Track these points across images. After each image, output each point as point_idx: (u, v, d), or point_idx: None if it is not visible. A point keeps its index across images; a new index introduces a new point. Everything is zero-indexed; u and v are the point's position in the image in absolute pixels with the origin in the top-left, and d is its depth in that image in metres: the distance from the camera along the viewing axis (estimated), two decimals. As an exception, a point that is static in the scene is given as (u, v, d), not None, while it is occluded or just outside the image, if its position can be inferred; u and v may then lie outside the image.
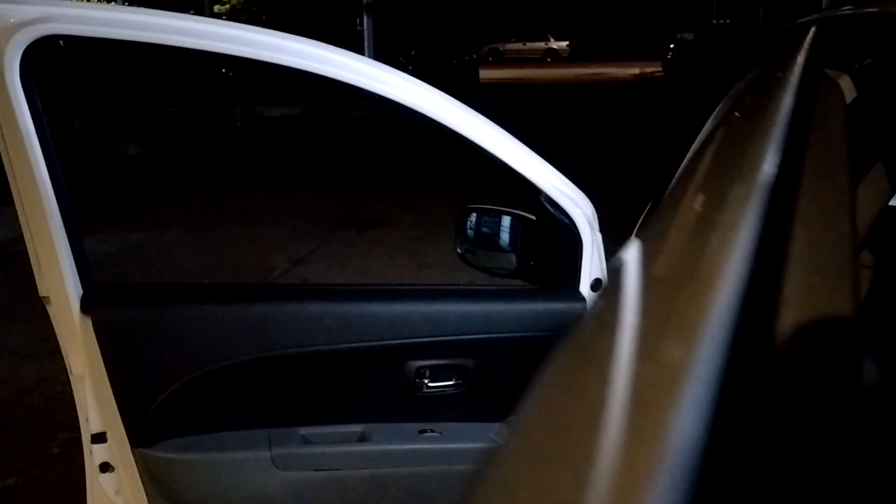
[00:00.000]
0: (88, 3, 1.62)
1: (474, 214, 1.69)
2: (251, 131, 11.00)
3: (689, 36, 20.05)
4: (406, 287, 2.49)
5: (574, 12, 33.76)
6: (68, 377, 1.54)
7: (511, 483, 0.31)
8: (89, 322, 1.47)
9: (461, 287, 1.91)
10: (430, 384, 1.61)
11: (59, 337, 1.51)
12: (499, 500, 0.30)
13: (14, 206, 1.41)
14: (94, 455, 1.56)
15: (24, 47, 1.31)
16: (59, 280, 1.44)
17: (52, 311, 1.48)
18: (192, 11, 14.74)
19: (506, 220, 1.65)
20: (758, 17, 19.84)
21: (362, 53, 9.55)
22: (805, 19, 1.45)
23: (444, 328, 1.58)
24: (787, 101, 0.73)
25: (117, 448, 1.55)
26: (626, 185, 5.97)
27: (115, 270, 5.10)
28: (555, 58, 32.38)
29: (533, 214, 1.59)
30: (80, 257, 1.46)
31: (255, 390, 1.60)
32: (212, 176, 8.42)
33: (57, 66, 7.65)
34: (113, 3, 11.82)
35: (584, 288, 1.59)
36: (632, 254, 0.53)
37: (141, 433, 1.53)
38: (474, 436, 1.64)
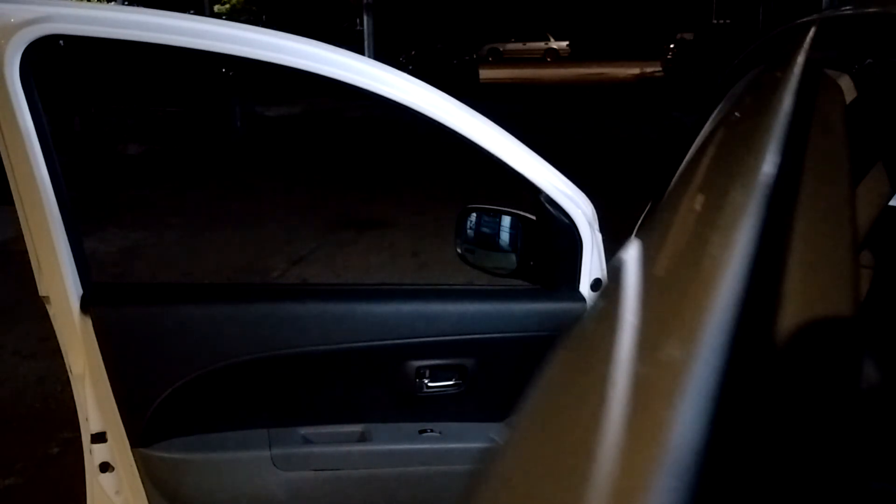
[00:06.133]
0: (88, 3, 1.61)
1: (474, 214, 1.69)
2: (251, 131, 11.00)
3: (689, 36, 20.05)
4: (406, 287, 2.49)
5: (574, 12, 33.76)
6: (68, 377, 1.54)
7: (511, 483, 0.31)
8: (89, 322, 1.47)
9: (461, 287, 1.91)
10: (430, 384, 1.61)
11: (59, 337, 1.51)
12: (499, 500, 0.30)
13: (14, 206, 1.41)
14: (94, 455, 1.56)
15: (24, 47, 1.31)
16: (59, 280, 1.44)
17: (52, 310, 1.48)
18: (192, 11, 14.73)
19: (506, 220, 1.65)
20: (758, 17, 19.84)
21: (362, 53, 9.54)
22: (805, 19, 1.45)
23: (443, 328, 1.58)
24: (787, 101, 0.73)
25: (117, 448, 1.55)
26: (627, 185, 5.97)
27: (115, 270, 5.10)
28: (555, 58, 32.38)
29: (533, 214, 1.59)
30: (80, 257, 1.46)
31: (254, 390, 1.60)
32: (211, 176, 8.42)
33: (57, 66, 7.65)
34: (113, 3, 11.82)
35: (584, 288, 1.59)
36: (632, 254, 0.53)
37: (141, 433, 1.53)
38: (474, 436, 1.63)
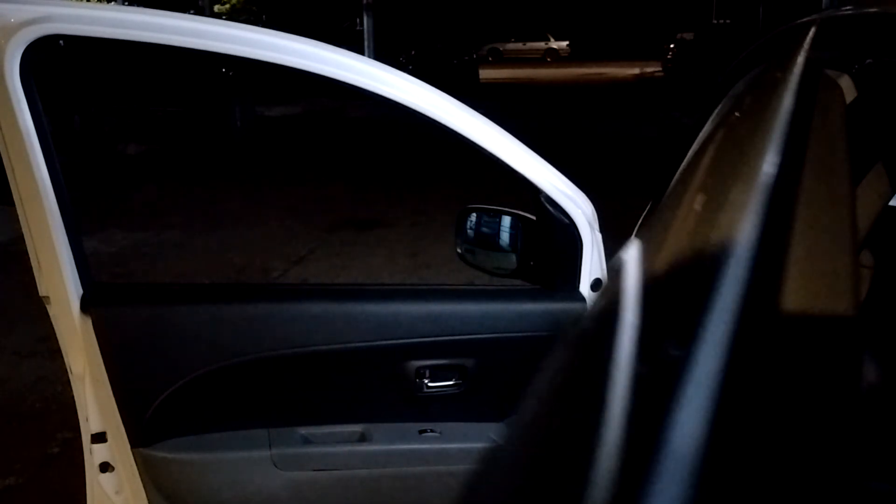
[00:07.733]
0: (88, 3, 1.62)
1: (474, 214, 1.69)
2: (251, 131, 10.99)
3: (689, 36, 20.05)
4: (406, 287, 2.50)
5: (574, 12, 33.75)
6: (68, 377, 1.54)
7: (511, 483, 0.31)
8: (89, 322, 1.47)
9: (461, 287, 1.91)
10: (430, 384, 1.61)
11: (59, 337, 1.51)
12: (499, 500, 0.30)
13: (14, 206, 1.41)
14: (94, 455, 1.56)
15: (24, 47, 1.31)
16: (59, 280, 1.44)
17: (52, 310, 1.48)
18: (192, 11, 14.74)
19: (506, 220, 1.65)
20: (758, 17, 19.82)
21: (362, 53, 9.55)
22: (805, 19, 1.45)
23: (443, 328, 1.58)
24: (787, 101, 0.73)
25: (117, 448, 1.55)
26: (627, 184, 5.97)
27: (116, 270, 5.09)
28: (555, 58, 32.37)
29: (533, 214, 1.59)
30: (80, 257, 1.46)
31: (255, 390, 1.60)
32: (212, 176, 8.41)
33: (57, 66, 7.65)
34: (113, 3, 11.82)
35: (584, 288, 1.59)
36: (632, 254, 0.53)
37: (141, 433, 1.53)
38: (474, 436, 1.63)
